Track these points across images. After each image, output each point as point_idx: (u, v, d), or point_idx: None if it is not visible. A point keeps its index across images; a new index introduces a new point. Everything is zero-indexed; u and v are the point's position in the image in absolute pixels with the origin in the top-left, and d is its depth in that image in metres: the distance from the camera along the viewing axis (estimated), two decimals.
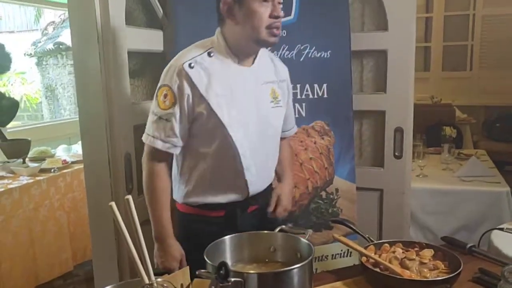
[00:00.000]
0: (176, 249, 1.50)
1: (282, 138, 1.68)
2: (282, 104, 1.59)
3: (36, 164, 3.25)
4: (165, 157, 1.49)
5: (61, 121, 5.57)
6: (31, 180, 3.02)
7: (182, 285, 0.83)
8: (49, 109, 6.68)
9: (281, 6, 1.42)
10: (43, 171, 3.22)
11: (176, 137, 1.44)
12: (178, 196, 1.57)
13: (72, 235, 3.30)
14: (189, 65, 1.41)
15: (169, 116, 1.42)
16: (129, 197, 0.73)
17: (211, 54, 1.45)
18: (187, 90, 1.41)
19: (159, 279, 0.77)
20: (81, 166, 3.30)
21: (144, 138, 1.48)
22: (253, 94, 1.50)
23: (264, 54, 1.57)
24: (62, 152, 3.82)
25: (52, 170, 3.23)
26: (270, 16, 1.38)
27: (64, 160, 3.42)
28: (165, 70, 1.47)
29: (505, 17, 5.97)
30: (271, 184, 1.65)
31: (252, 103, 1.49)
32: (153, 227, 1.50)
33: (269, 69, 1.58)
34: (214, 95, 1.42)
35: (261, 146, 1.52)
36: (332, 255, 2.30)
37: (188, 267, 0.87)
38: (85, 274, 3.30)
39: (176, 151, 1.48)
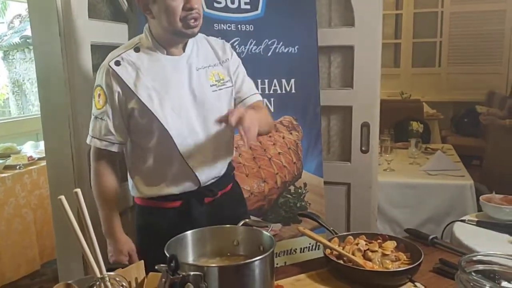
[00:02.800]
0: (125, 244, 1.54)
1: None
2: (230, 83, 1.57)
3: (0, 161, 3.17)
4: (106, 156, 1.51)
5: (28, 117, 5.45)
6: None
7: (136, 279, 0.83)
8: (16, 105, 6.51)
9: None
10: (8, 168, 3.15)
11: (112, 135, 1.48)
12: (132, 190, 1.59)
13: (39, 233, 3.24)
14: (115, 62, 1.44)
15: (103, 115, 1.46)
16: (78, 190, 0.72)
17: (138, 50, 1.47)
18: (116, 87, 1.44)
19: (111, 273, 0.76)
20: None
21: (87, 138, 1.53)
22: (187, 82, 1.48)
23: (199, 39, 1.55)
24: (29, 149, 3.74)
25: (18, 167, 3.16)
26: (184, 9, 1.38)
27: (30, 157, 3.35)
28: (98, 71, 1.50)
29: (472, 15, 6.12)
30: (229, 175, 1.63)
31: (187, 90, 1.48)
32: (102, 223, 1.53)
33: (206, 53, 1.55)
34: (144, 89, 1.43)
35: (204, 132, 1.50)
36: (301, 248, 2.32)
37: (142, 261, 0.86)
38: (53, 272, 3.24)
39: (115, 149, 1.50)
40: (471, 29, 6.15)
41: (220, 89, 1.53)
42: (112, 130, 1.47)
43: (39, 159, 3.39)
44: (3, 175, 3.02)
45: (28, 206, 3.16)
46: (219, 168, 1.57)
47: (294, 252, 2.30)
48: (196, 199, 1.53)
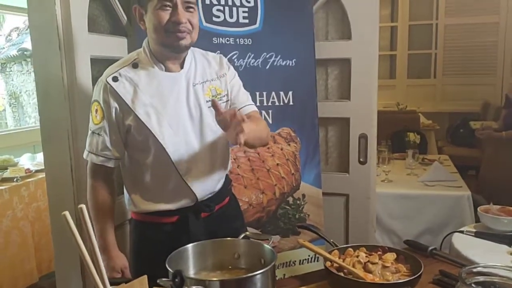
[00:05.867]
0: (118, 260, 1.53)
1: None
2: (227, 98, 1.57)
3: None
4: (103, 171, 1.51)
5: (25, 129, 5.44)
6: None
7: None
8: (13, 117, 6.50)
9: (191, 11, 1.41)
10: (5, 180, 3.14)
11: (109, 150, 1.47)
12: (128, 205, 1.58)
13: (37, 245, 3.22)
14: (113, 78, 1.45)
15: (100, 130, 1.47)
16: (83, 206, 0.72)
17: (136, 65, 1.48)
18: (113, 103, 1.44)
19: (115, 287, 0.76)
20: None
21: (84, 153, 1.52)
22: (185, 98, 1.49)
23: (197, 54, 1.56)
24: (26, 161, 3.72)
25: (15, 179, 3.15)
26: (170, 21, 1.39)
27: (28, 169, 3.34)
28: (95, 86, 1.50)
29: (466, 27, 6.20)
30: (225, 188, 1.64)
31: (185, 107, 1.48)
32: (96, 238, 1.50)
33: (203, 68, 1.55)
34: (142, 105, 1.44)
35: (201, 148, 1.50)
36: (300, 260, 2.31)
37: (145, 276, 0.87)
38: (51, 285, 3.21)
39: (111, 164, 1.50)
40: (466, 41, 6.22)
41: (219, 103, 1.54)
42: (109, 145, 1.47)
43: (37, 171, 3.38)
44: (1, 187, 3.01)
45: (26, 219, 3.15)
46: (216, 183, 1.58)
47: (293, 264, 2.30)
48: (193, 214, 1.52)
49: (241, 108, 1.59)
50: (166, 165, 1.46)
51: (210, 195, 1.56)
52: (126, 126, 1.45)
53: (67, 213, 0.69)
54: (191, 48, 1.53)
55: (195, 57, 1.55)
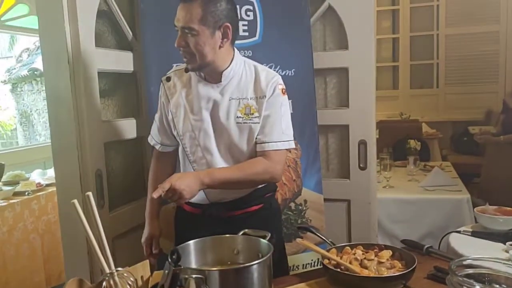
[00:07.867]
0: (150, 228, 1.75)
1: (260, 152, 1.59)
2: (258, 120, 1.57)
3: (9, 187, 3.25)
4: (158, 153, 1.78)
5: (36, 146, 5.56)
6: (5, 203, 3.03)
7: (142, 277, 0.90)
8: (24, 135, 6.63)
9: (193, 36, 1.47)
10: (17, 194, 3.23)
11: (158, 137, 1.74)
12: None
13: (47, 258, 3.29)
14: (167, 78, 1.69)
15: (157, 119, 1.75)
16: (90, 193, 0.80)
17: (187, 70, 1.63)
18: (162, 99, 1.70)
19: (120, 269, 0.83)
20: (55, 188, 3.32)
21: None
22: (214, 108, 1.58)
23: (248, 66, 1.62)
24: (37, 176, 3.81)
25: (26, 193, 3.24)
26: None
27: (39, 183, 3.43)
28: None
29: (466, 36, 6.25)
30: (253, 198, 1.67)
31: (208, 117, 1.58)
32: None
33: (247, 84, 1.58)
34: (176, 105, 1.64)
35: (220, 158, 1.60)
36: (303, 264, 2.36)
37: (147, 260, 0.94)
38: None
39: (160, 148, 1.76)
40: (467, 50, 6.26)
41: (245, 123, 1.56)
42: (158, 132, 1.74)
43: (47, 185, 3.47)
44: (12, 201, 3.10)
45: (36, 232, 3.22)
46: (230, 193, 1.62)
47: (296, 269, 2.34)
48: (208, 212, 1.64)
49: (264, 143, 1.57)
50: (185, 161, 1.65)
51: (225, 201, 1.63)
52: (167, 119, 1.67)
53: (75, 201, 0.76)
54: (246, 61, 1.63)
55: (244, 72, 1.60)
